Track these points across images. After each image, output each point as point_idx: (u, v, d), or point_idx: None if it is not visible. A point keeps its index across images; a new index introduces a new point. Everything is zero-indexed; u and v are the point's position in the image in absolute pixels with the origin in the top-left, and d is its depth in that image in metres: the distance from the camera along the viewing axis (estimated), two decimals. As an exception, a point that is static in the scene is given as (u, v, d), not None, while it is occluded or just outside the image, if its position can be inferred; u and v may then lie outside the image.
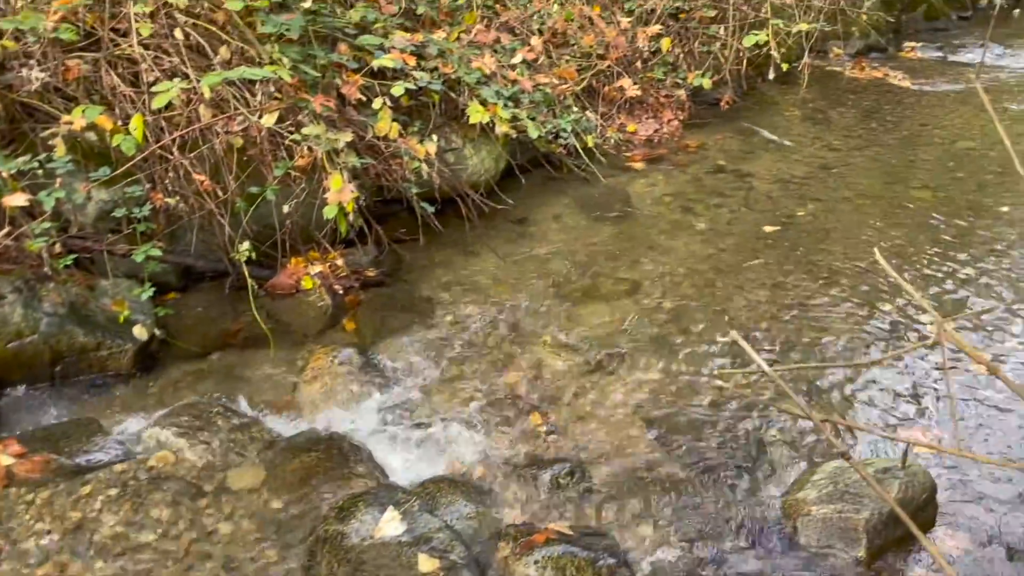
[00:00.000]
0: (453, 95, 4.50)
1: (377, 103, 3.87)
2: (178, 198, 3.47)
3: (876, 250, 1.86)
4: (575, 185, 5.03)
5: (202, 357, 3.48)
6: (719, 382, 3.26)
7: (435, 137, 4.20)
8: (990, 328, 3.59)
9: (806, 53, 6.70)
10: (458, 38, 4.88)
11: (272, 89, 3.56)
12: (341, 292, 3.83)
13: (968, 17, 9.65)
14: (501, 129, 4.53)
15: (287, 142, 3.55)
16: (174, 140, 3.45)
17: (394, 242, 4.13)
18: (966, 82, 7.25)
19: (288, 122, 3.59)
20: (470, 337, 3.59)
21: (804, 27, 6.29)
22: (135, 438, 2.95)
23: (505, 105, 4.63)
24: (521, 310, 3.77)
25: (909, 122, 6.24)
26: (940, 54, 8.28)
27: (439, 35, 4.69)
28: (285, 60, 3.50)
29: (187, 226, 3.69)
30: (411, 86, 4.06)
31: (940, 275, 4.01)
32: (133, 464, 2.79)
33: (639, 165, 5.35)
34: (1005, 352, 3.42)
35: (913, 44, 8.52)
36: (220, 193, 3.54)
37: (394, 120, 3.92)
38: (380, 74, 4.14)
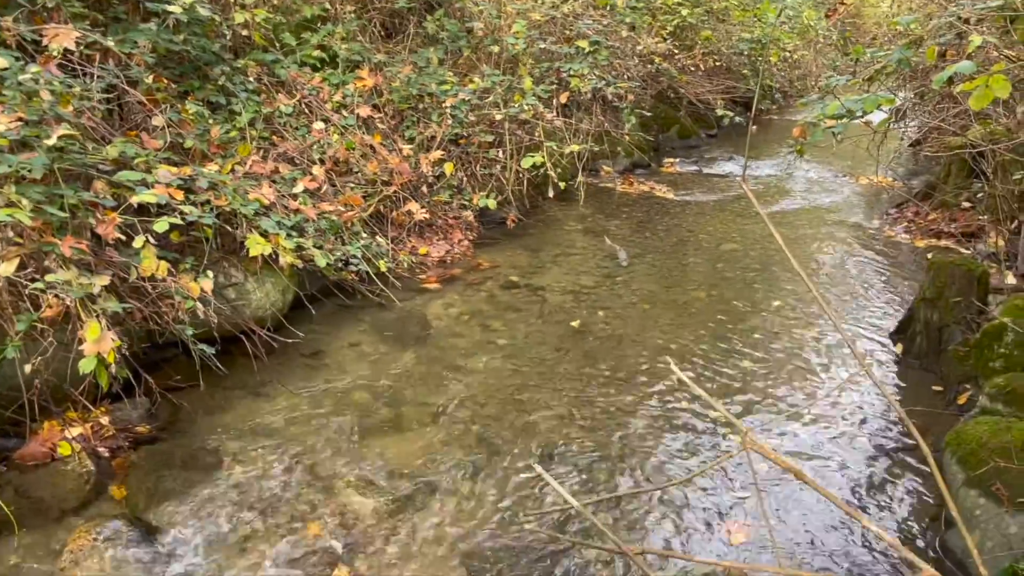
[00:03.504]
0: (230, 228, 4.25)
1: (138, 241, 3.54)
2: None
3: (671, 362, 1.84)
4: (371, 311, 4.89)
5: (-74, 557, 2.84)
6: (535, 507, 3.13)
7: (210, 273, 3.93)
8: (783, 425, 3.76)
9: (580, 172, 7.13)
10: (232, 170, 4.67)
11: (11, 234, 3.13)
12: (107, 455, 3.35)
13: (715, 135, 10.83)
14: (285, 260, 4.31)
15: (30, 291, 3.11)
16: None
17: (168, 391, 3.73)
18: (721, 192, 8.02)
19: (31, 269, 3.16)
20: (263, 489, 3.22)
21: (575, 148, 6.70)
22: None
23: (288, 235, 4.45)
24: (320, 451, 3.47)
25: (678, 230, 6.73)
26: (696, 168, 9.15)
27: (211, 168, 4.46)
28: (25, 201, 3.11)
29: (-96, 399, 3.09)
30: (178, 221, 3.79)
31: (725, 370, 4.20)
32: None
33: (434, 286, 5.31)
34: (803, 448, 3.58)
35: (672, 160, 9.37)
36: (-54, 356, 3.00)
37: (162, 258, 3.61)
38: (144, 211, 3.82)
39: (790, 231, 6.60)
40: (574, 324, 4.76)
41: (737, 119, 9.02)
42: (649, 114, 8.93)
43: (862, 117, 3.63)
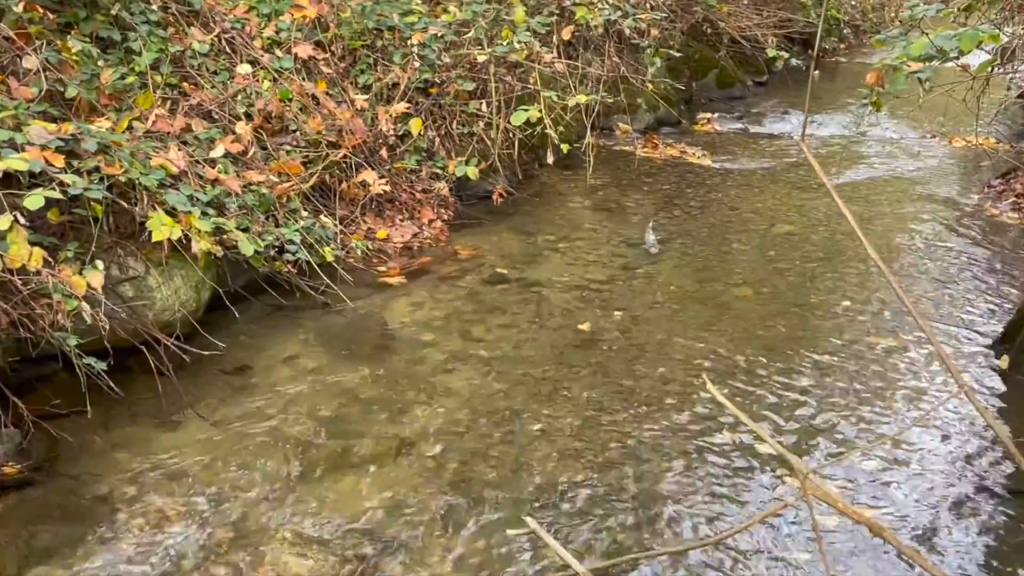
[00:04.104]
0: (126, 204, 4.23)
1: (4, 221, 3.52)
2: None
3: (708, 380, 1.83)
4: (313, 314, 4.88)
5: None
6: (529, 572, 3.12)
7: (101, 264, 3.91)
8: (855, 463, 3.76)
9: (588, 131, 7.11)
10: (130, 127, 4.65)
11: None
12: (-37, 505, 3.34)
13: (764, 82, 10.85)
14: (201, 246, 4.30)
15: None
16: None
17: (45, 419, 3.70)
18: (772, 157, 8.03)
19: None
20: (171, 548, 3.21)
21: (582, 99, 6.68)
22: None
23: (204, 213, 4.43)
24: (247, 498, 3.47)
25: (717, 206, 6.73)
26: (740, 125, 9.17)
27: (101, 124, 4.44)
28: None
29: None
30: (57, 195, 3.76)
31: (778, 391, 4.21)
32: None
33: (397, 281, 5.31)
34: (881, 494, 3.57)
35: (708, 115, 9.37)
36: None
37: (35, 244, 3.59)
38: (12, 181, 3.80)
39: (863, 208, 6.61)
40: (583, 327, 4.76)
41: (794, 62, 9.02)
42: (679, 55, 8.92)
43: (957, 59, 3.63)
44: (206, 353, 4.31)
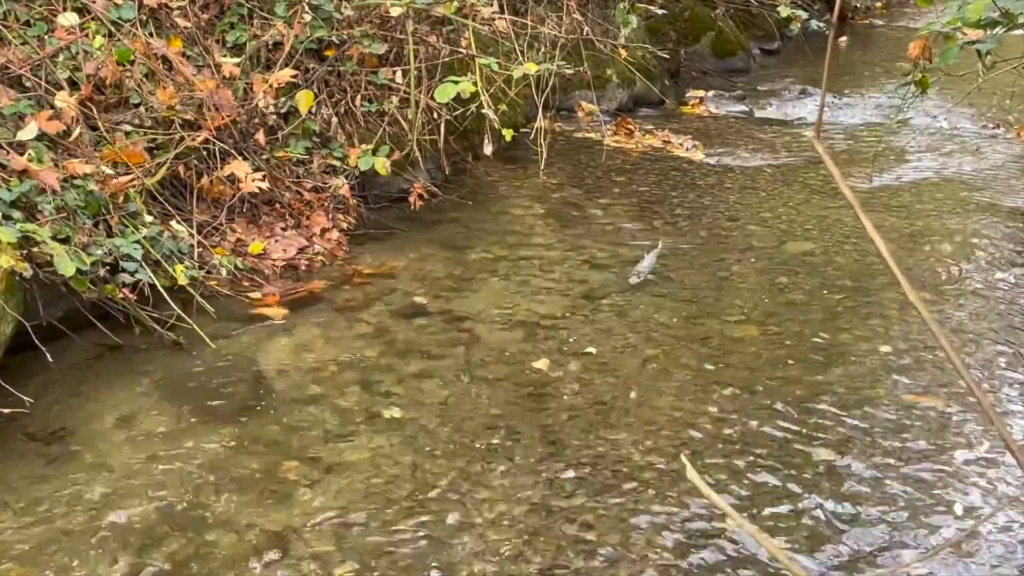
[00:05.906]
0: None
1: None
2: None
3: (688, 464, 1.79)
4: (159, 357, 4.84)
5: None
6: None
7: None
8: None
9: (540, 112, 7.10)
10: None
11: None
12: None
13: (775, 50, 10.99)
14: (1, 262, 4.20)
15: None
16: None
17: None
18: (785, 150, 8.10)
19: None
20: None
21: (532, 69, 6.67)
22: None
23: (7, 217, 4.38)
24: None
25: (710, 216, 6.76)
26: (742, 108, 9.26)
27: None
28: None
29: None
30: None
31: (789, 471, 4.19)
32: None
33: (277, 312, 5.29)
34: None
35: (701, 93, 9.45)
36: None
37: None
38: None
39: (903, 221, 6.69)
40: (524, 383, 4.74)
41: (814, 24, 9.14)
42: (662, 12, 8.98)
43: (1029, 25, 3.66)
44: (6, 411, 4.23)
